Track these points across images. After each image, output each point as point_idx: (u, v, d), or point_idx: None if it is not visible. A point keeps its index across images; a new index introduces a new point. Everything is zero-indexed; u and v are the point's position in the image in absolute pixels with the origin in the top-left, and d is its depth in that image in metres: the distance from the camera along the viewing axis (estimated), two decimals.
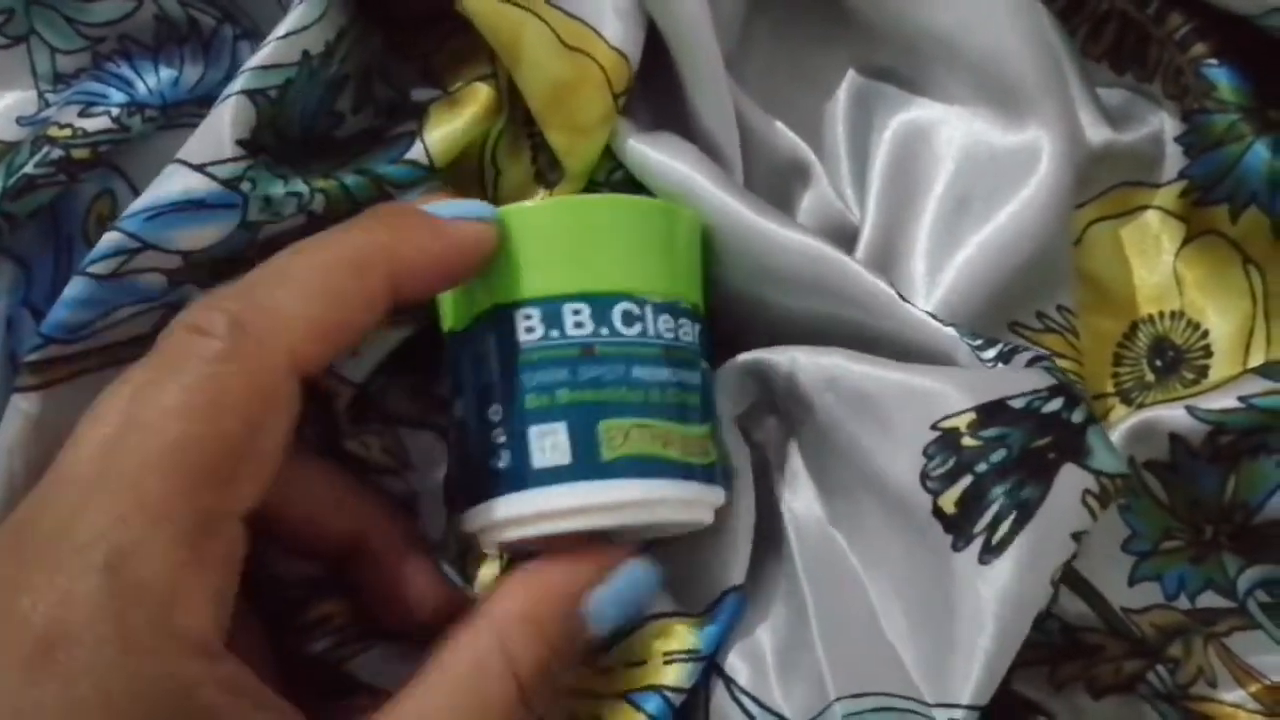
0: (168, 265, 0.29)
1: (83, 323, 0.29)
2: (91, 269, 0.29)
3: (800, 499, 0.32)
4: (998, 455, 0.28)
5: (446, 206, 0.27)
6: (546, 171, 0.34)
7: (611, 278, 0.28)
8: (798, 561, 0.31)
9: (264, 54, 0.30)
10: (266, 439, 0.23)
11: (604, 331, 0.27)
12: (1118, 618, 0.32)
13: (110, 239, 0.29)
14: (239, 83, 0.30)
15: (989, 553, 0.27)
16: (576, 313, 0.27)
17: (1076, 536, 0.28)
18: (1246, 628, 0.33)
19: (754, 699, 0.29)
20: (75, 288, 0.29)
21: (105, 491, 0.21)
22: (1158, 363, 0.36)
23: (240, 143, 0.29)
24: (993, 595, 0.27)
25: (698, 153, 0.32)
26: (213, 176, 0.29)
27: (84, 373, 0.30)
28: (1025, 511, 0.27)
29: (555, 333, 0.27)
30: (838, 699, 0.29)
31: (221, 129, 0.29)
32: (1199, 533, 0.32)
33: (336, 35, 0.31)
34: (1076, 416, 0.28)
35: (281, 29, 0.30)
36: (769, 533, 0.32)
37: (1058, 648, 0.32)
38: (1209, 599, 0.33)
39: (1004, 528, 0.28)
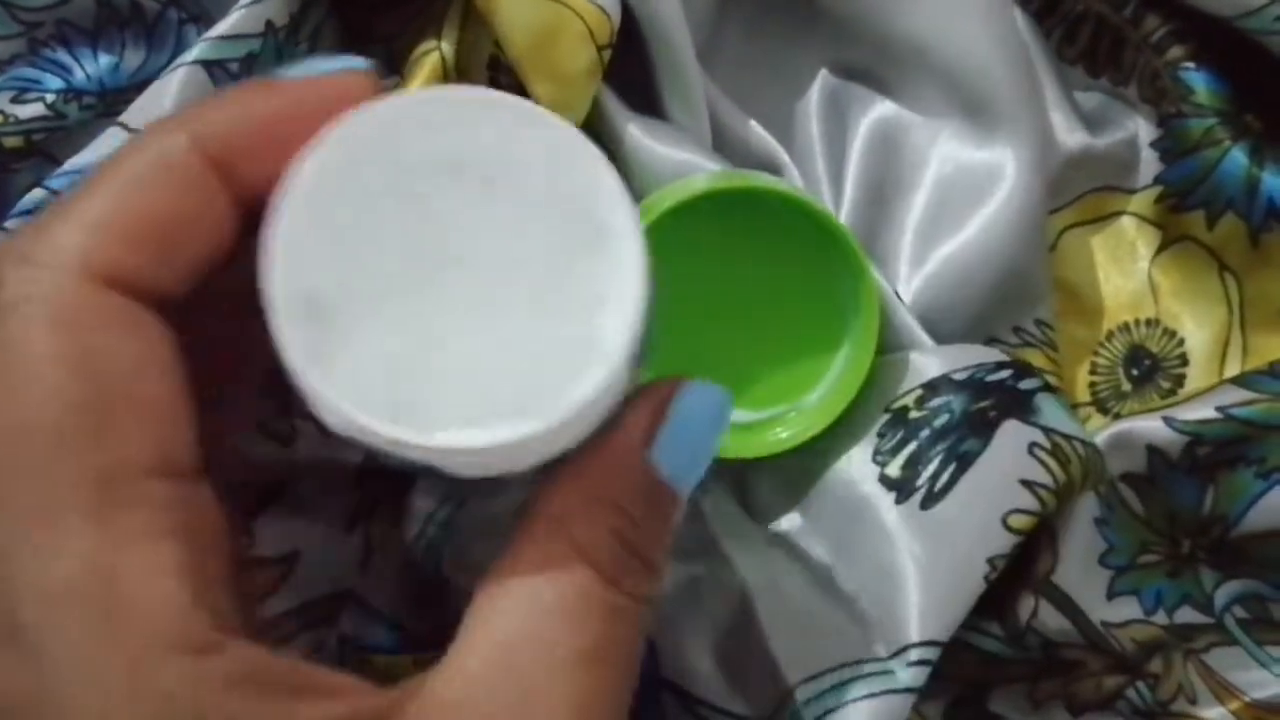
0: None
1: None
2: (8, 224, 0.28)
3: (723, 500, 0.32)
4: (940, 420, 0.28)
5: (301, 65, 0.21)
6: None
7: None
8: (733, 560, 0.30)
9: (227, 23, 0.29)
10: (123, 374, 0.18)
11: None
12: (1097, 632, 0.31)
13: (34, 195, 0.28)
14: (194, 52, 0.29)
15: (931, 500, 0.28)
16: None
17: (1031, 486, 0.27)
18: (1225, 643, 0.32)
19: (709, 705, 0.28)
20: None
21: None
22: (1134, 371, 0.35)
23: None
24: (934, 527, 0.27)
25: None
26: None
27: None
28: (965, 460, 0.28)
29: None
30: (797, 684, 0.28)
31: (165, 95, 0.28)
32: (1176, 546, 0.32)
33: (301, 7, 0.30)
34: (1025, 384, 0.29)
35: None
36: (689, 536, 0.31)
37: (1037, 665, 0.31)
38: (1186, 614, 0.32)
39: (945, 477, 0.28)
